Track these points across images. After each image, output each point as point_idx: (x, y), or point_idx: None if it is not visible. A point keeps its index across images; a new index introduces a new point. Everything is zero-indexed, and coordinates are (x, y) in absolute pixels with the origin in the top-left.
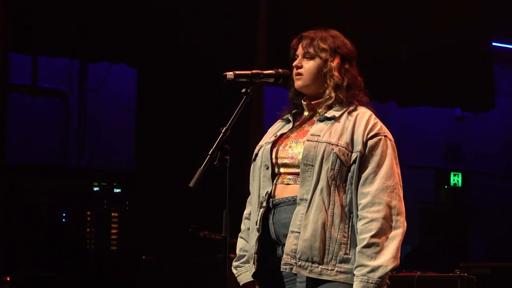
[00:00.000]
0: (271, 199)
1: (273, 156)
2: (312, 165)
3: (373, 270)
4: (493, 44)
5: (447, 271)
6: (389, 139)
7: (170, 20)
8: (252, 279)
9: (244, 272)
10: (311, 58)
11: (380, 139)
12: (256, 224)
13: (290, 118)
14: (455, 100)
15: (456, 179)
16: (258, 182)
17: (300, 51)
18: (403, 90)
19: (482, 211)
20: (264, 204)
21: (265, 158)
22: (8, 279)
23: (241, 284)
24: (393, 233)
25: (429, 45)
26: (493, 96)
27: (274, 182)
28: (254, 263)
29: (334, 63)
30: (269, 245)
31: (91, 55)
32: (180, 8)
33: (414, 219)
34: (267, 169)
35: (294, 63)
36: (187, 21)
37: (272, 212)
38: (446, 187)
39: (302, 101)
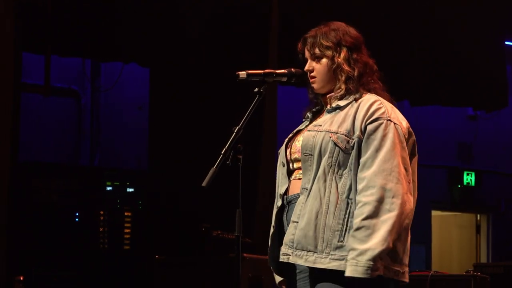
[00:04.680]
0: (285, 196)
1: (287, 153)
2: (311, 154)
3: (361, 253)
4: (506, 43)
5: (461, 270)
6: (394, 123)
7: (181, 20)
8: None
9: None
10: (319, 59)
11: (380, 123)
12: (272, 221)
13: (309, 115)
14: (467, 99)
15: (469, 178)
16: (278, 180)
17: (307, 54)
18: (416, 89)
19: (495, 210)
20: (279, 202)
21: (282, 156)
22: (21, 278)
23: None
24: (386, 215)
25: (441, 44)
26: (506, 95)
27: (290, 179)
28: (271, 258)
29: (341, 58)
30: None
31: (103, 54)
32: (190, 7)
33: (427, 218)
34: (284, 166)
35: (305, 68)
36: (198, 20)
37: (286, 209)
38: (459, 186)
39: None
